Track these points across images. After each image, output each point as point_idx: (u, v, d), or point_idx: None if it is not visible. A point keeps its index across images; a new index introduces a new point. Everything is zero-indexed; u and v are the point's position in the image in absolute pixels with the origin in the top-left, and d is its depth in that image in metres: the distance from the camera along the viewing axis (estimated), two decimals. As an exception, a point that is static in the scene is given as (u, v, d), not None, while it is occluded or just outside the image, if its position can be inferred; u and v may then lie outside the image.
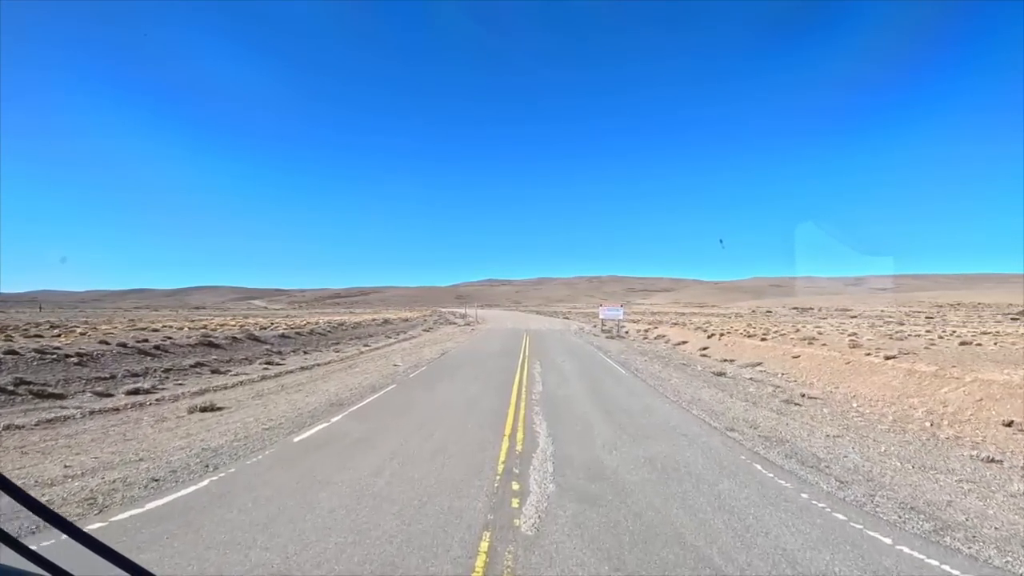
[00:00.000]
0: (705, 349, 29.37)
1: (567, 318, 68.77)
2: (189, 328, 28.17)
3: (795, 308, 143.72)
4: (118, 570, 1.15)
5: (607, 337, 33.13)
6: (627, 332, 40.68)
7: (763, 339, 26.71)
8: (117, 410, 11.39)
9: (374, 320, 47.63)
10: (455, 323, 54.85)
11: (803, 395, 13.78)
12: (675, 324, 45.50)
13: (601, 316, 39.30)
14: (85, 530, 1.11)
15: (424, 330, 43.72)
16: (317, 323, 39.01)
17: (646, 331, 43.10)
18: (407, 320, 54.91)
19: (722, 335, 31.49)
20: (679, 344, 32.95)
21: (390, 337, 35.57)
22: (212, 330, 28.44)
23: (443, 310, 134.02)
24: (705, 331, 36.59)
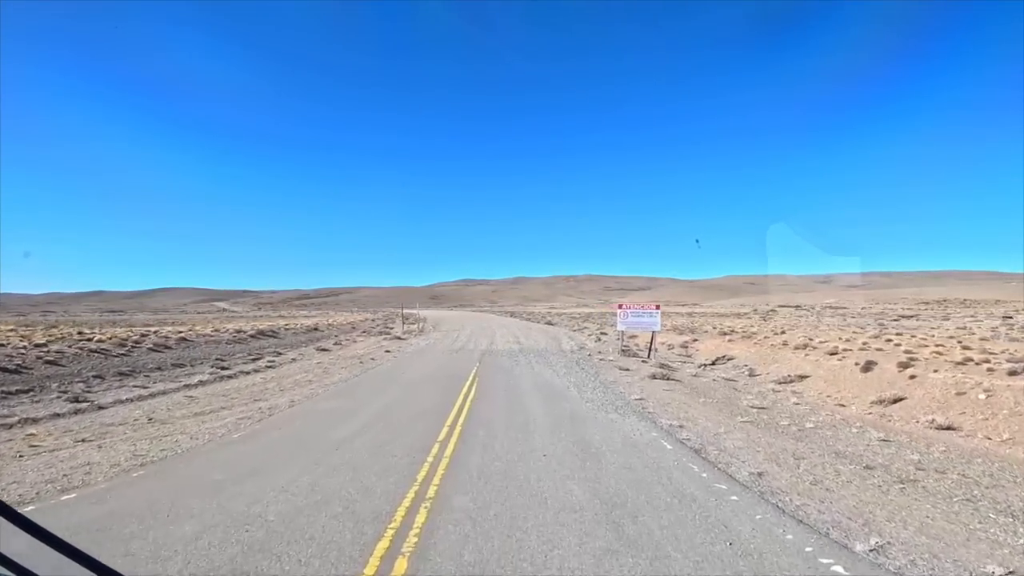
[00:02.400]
0: (905, 407, 11.91)
1: (550, 323, 50.55)
2: None
3: (790, 307, 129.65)
4: (83, 569, 1.13)
5: (652, 377, 14.66)
6: (656, 351, 22.95)
7: None
8: None
9: (239, 332, 28.75)
10: (388, 332, 36.67)
11: None
12: (729, 336, 27.88)
13: (621, 326, 21.14)
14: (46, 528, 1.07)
15: (320, 349, 25.35)
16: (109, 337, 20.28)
17: (684, 347, 25.70)
18: (316, 330, 36.28)
19: (906, 365, 14.12)
20: (788, 382, 15.48)
21: (207, 369, 17.15)
22: None
23: (405, 311, 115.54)
24: (811, 345, 19.18)
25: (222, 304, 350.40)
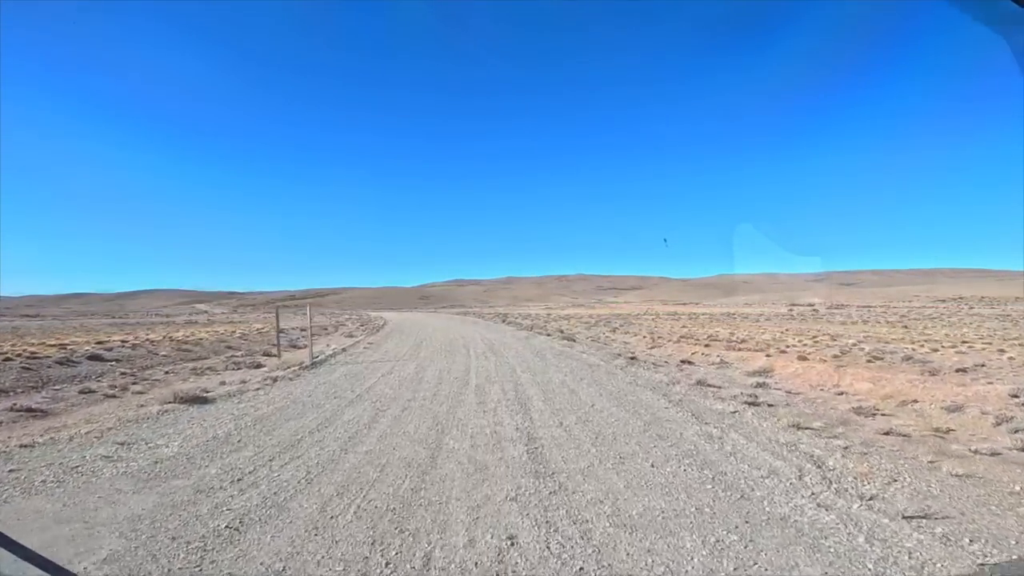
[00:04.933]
0: None
1: (569, 338, 28.92)
2: None
3: (803, 305, 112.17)
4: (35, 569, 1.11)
5: None
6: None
7: None
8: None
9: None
10: (262, 363, 17.53)
11: None
12: None
13: None
14: None
15: None
16: None
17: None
18: (71, 363, 16.97)
19: None
20: None
21: None
22: None
23: (372, 313, 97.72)
24: None
25: (202, 306, 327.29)
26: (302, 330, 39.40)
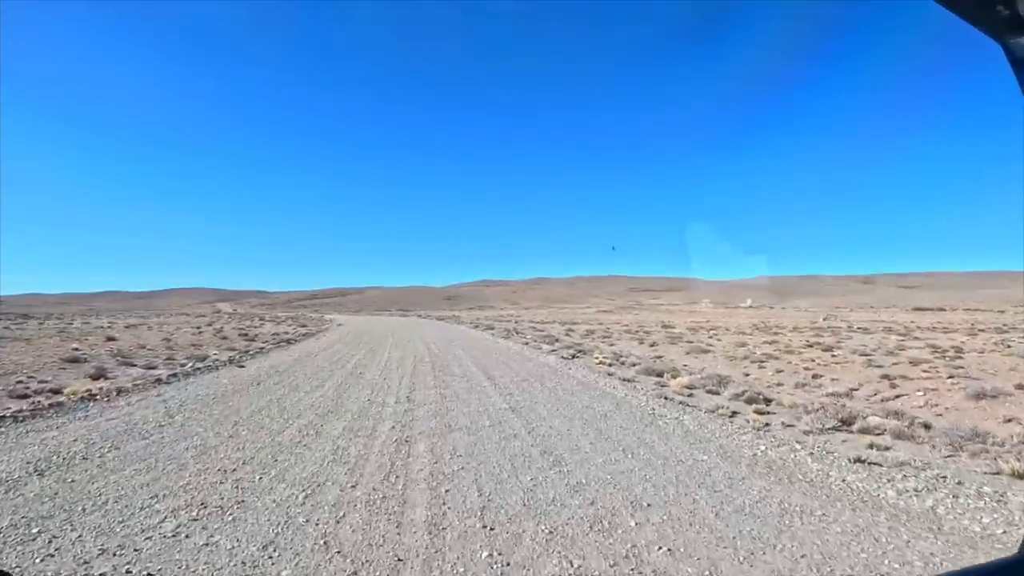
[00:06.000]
0: None
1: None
2: None
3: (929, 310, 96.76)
4: None
5: None
6: None
7: None
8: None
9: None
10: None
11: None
12: None
13: None
14: None
15: None
16: None
17: None
18: None
19: None
20: None
21: None
22: None
23: (387, 317, 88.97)
24: None
25: (217, 304, 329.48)
26: (274, 334, 29.30)
